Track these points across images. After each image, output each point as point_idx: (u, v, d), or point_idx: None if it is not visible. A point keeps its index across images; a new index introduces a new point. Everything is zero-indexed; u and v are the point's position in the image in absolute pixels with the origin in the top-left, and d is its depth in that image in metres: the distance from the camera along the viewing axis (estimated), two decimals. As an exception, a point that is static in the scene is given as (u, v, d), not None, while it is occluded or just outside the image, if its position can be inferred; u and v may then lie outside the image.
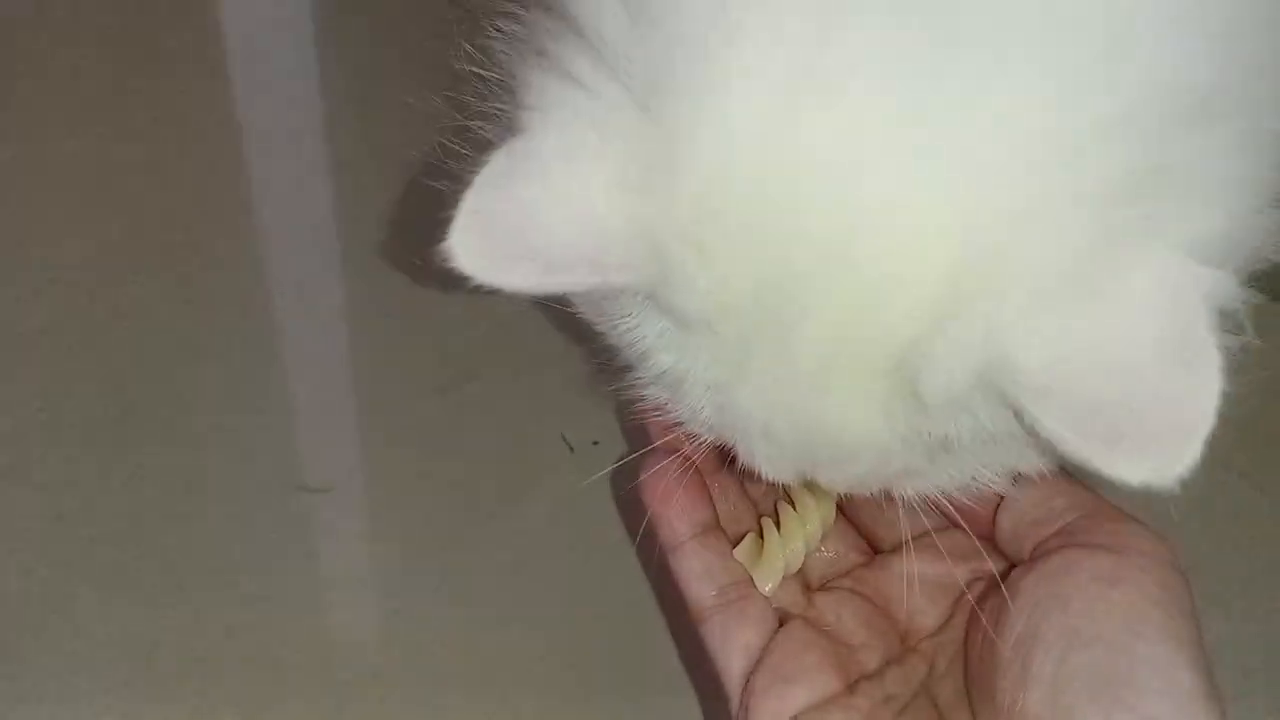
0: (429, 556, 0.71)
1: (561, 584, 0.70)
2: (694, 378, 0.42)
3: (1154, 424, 0.35)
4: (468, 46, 0.49)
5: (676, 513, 0.51)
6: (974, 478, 0.45)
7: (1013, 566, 0.49)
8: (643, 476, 0.52)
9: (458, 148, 0.46)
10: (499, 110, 0.46)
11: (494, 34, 0.47)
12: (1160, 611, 0.43)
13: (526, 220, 0.39)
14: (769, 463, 0.44)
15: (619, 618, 0.68)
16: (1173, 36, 0.36)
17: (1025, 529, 0.48)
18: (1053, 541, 0.47)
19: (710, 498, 0.53)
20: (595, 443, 0.75)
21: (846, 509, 0.55)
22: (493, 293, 0.39)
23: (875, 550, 0.55)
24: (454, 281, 0.40)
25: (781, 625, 0.50)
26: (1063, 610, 0.44)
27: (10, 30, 1.03)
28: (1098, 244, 0.35)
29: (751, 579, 0.51)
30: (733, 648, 0.49)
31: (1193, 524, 0.65)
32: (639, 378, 0.47)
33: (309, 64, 1.07)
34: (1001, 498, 0.48)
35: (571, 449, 0.75)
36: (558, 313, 0.49)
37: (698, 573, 0.50)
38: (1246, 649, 0.67)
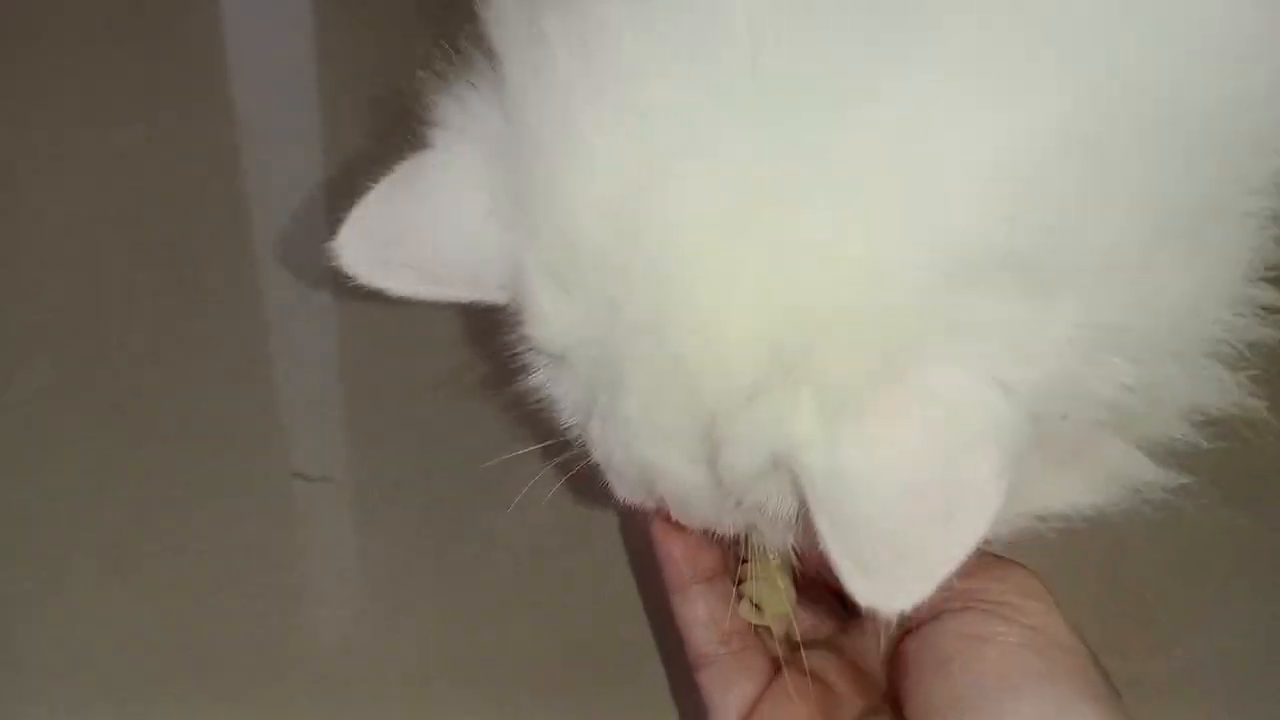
0: (421, 551, 0.71)
1: (554, 583, 0.70)
2: (560, 401, 0.44)
3: (898, 560, 0.35)
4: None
5: (684, 554, 0.51)
6: (815, 544, 0.45)
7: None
8: (657, 521, 0.52)
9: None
10: (421, 120, 0.48)
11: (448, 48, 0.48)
12: (1039, 659, 0.43)
13: (411, 232, 0.41)
14: (626, 488, 0.45)
15: (608, 617, 0.69)
16: (978, 198, 0.36)
17: None
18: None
19: (719, 542, 0.52)
20: (588, 444, 0.75)
21: (819, 574, 0.55)
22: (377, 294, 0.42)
23: (849, 612, 0.56)
24: (341, 282, 0.43)
25: (776, 673, 0.50)
26: (946, 677, 0.44)
27: (7, 19, 1.03)
28: (900, 360, 0.36)
29: (752, 627, 0.51)
30: (731, 697, 0.49)
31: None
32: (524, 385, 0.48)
33: (307, 58, 1.08)
34: None
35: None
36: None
37: (702, 619, 0.50)
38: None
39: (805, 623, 0.54)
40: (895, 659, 0.48)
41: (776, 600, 0.52)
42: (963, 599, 0.44)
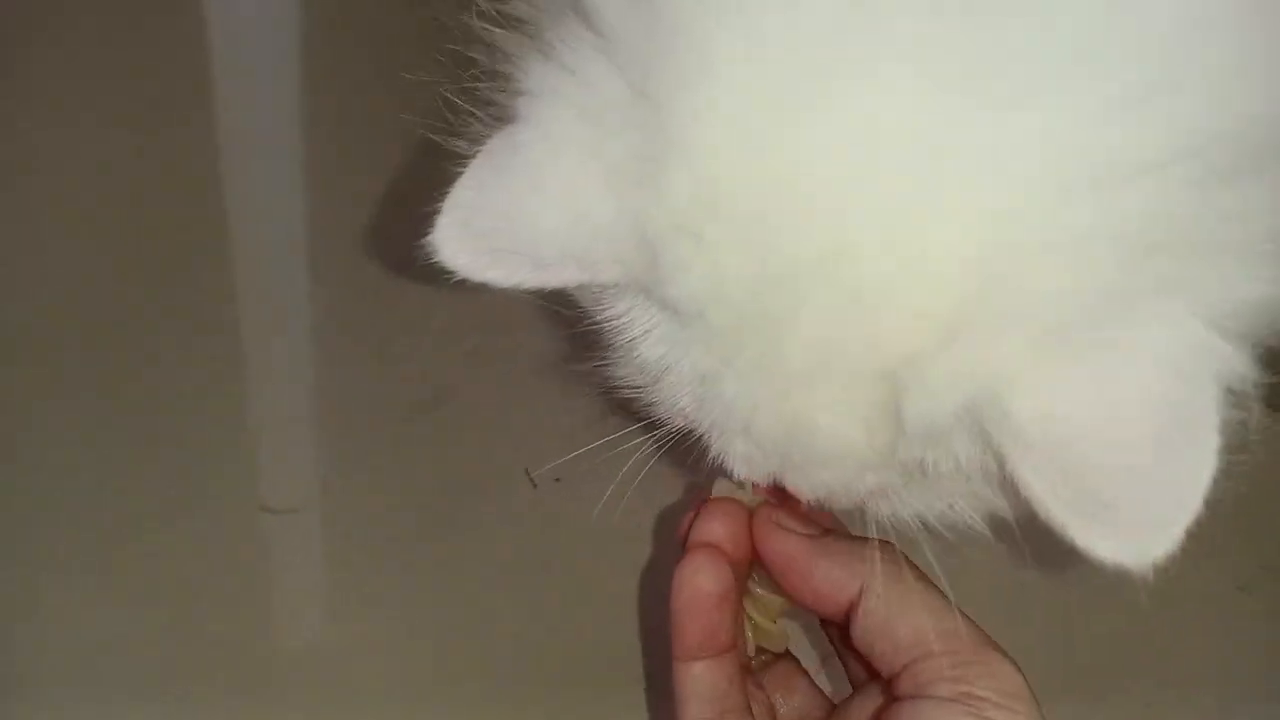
0: (386, 583, 0.71)
1: (520, 618, 0.71)
2: (680, 369, 0.41)
3: (1138, 503, 0.33)
4: (467, 26, 0.47)
5: (703, 627, 0.49)
6: (950, 508, 0.44)
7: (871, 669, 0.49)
8: (679, 576, 0.49)
9: (451, 135, 0.46)
10: (494, 96, 0.45)
11: (492, 16, 0.46)
12: None
13: (513, 215, 0.38)
14: (744, 461, 0.43)
15: (578, 644, 0.70)
16: (1220, 82, 0.33)
17: (880, 648, 0.47)
18: (906, 679, 0.45)
19: (738, 620, 0.50)
20: (557, 479, 0.76)
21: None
22: (479, 288, 0.39)
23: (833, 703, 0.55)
24: (440, 277, 0.40)
25: None
26: None
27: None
28: (1114, 293, 0.33)
29: (748, 708, 0.50)
30: None
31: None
32: (618, 362, 0.46)
33: (291, 73, 1.08)
34: (859, 595, 0.47)
35: (534, 484, 0.75)
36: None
37: (704, 695, 0.49)
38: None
39: (793, 709, 0.53)
40: None
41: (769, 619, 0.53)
42: (951, 685, 0.43)
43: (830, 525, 0.51)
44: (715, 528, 0.50)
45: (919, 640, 0.45)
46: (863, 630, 0.47)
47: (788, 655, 0.55)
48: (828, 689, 0.57)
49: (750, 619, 0.52)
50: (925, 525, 0.44)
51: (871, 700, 0.49)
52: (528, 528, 0.74)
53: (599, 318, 0.43)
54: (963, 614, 0.45)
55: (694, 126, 0.35)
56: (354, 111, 1.01)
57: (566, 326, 0.52)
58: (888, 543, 0.46)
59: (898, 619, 0.45)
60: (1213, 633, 0.74)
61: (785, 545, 0.49)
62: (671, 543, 0.73)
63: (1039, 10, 0.33)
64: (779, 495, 0.49)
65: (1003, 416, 0.34)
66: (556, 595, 0.72)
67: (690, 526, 0.51)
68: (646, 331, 0.41)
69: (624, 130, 0.37)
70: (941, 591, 0.46)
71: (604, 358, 0.47)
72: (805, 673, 0.55)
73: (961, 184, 0.33)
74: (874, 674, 0.49)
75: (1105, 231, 0.33)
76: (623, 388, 0.46)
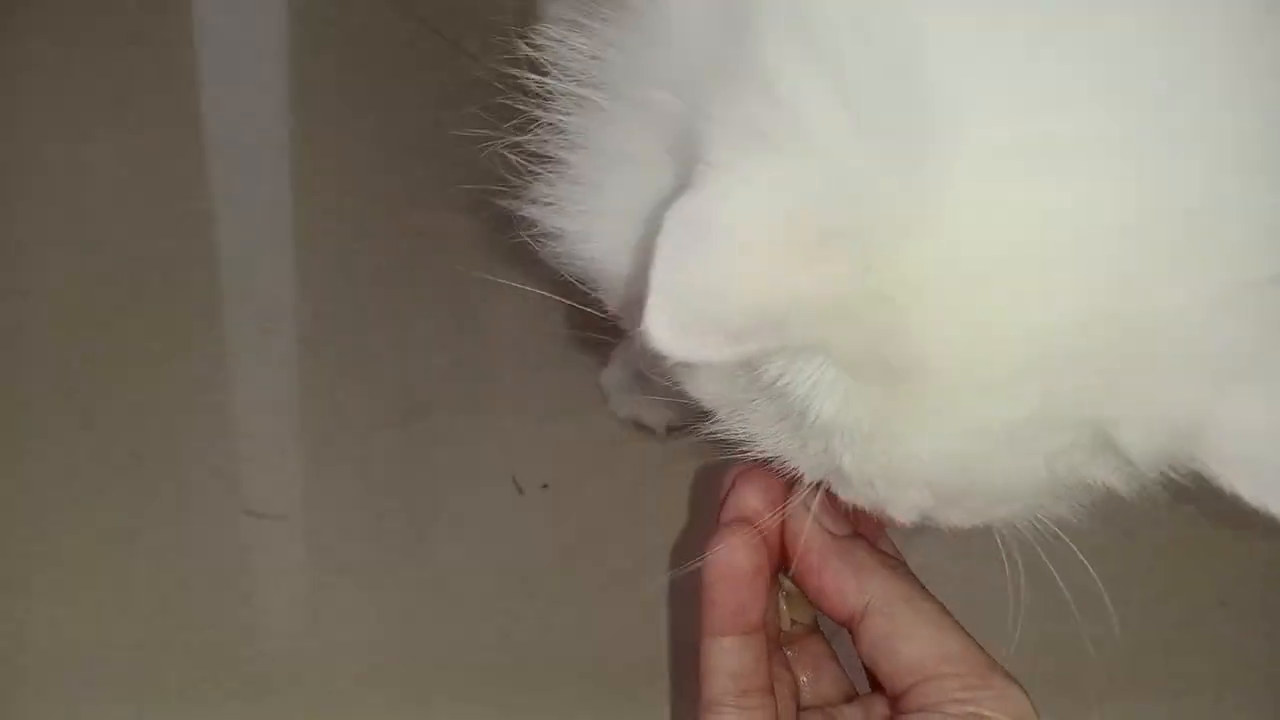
0: (369, 589, 0.71)
1: (505, 624, 0.71)
2: (847, 426, 0.41)
3: None
4: (525, 50, 0.48)
5: (733, 602, 0.49)
6: (1063, 506, 0.46)
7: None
8: (713, 551, 0.49)
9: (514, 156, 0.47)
10: (545, 149, 0.46)
11: (567, 46, 0.46)
12: None
13: (712, 292, 0.37)
14: (901, 512, 0.44)
15: (561, 661, 0.70)
16: None
17: (884, 666, 0.47)
18: (912, 697, 0.46)
19: (769, 597, 0.51)
20: (544, 486, 0.76)
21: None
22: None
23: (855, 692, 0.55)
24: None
25: None
26: None
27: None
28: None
29: (771, 688, 0.50)
30: None
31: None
32: (733, 409, 0.45)
33: (278, 84, 1.08)
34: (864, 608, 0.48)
35: (521, 491, 0.75)
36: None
37: (730, 670, 0.49)
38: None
39: (818, 693, 0.53)
40: None
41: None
42: (959, 707, 0.44)
43: (866, 531, 0.51)
44: (751, 500, 0.49)
45: (925, 662, 0.45)
46: (867, 644, 0.47)
47: (820, 636, 0.55)
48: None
49: (782, 586, 0.52)
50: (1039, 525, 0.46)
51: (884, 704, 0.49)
52: (514, 534, 0.74)
53: (757, 376, 0.43)
54: (971, 638, 0.46)
55: (937, 194, 0.37)
56: (341, 121, 1.01)
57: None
58: (903, 563, 0.48)
59: (903, 639, 0.46)
60: (1196, 645, 0.75)
61: (806, 533, 0.49)
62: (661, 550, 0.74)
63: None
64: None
65: (1204, 440, 0.39)
66: (542, 601, 0.72)
67: (726, 496, 0.51)
68: (815, 387, 0.41)
69: (838, 198, 0.37)
70: (950, 614, 0.47)
71: (722, 417, 0.46)
72: (835, 657, 0.55)
73: (1171, 254, 0.38)
74: (878, 687, 0.49)
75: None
76: (728, 441, 0.46)
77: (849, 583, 0.47)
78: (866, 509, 0.46)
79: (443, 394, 0.80)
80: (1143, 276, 0.38)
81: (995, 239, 0.37)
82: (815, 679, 0.53)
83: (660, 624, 0.71)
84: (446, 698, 0.68)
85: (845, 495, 0.45)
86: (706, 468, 0.79)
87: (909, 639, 0.46)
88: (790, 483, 0.49)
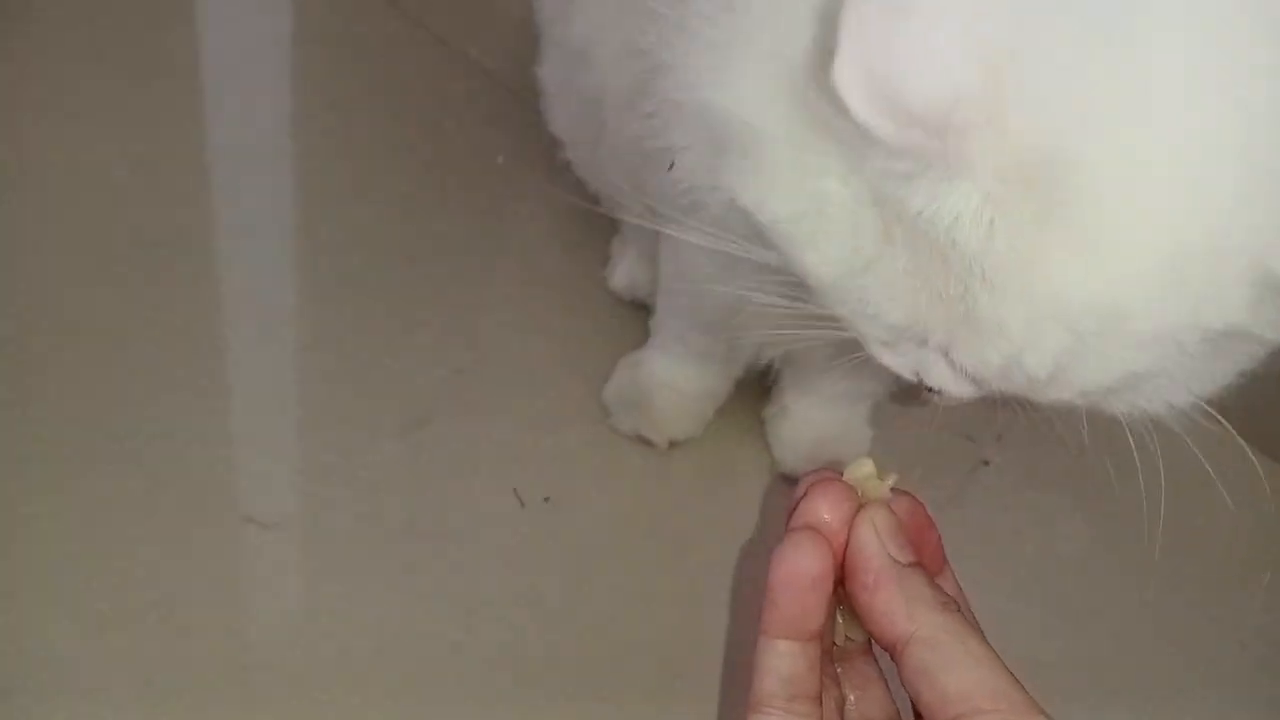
0: (368, 599, 0.71)
1: (505, 637, 0.70)
2: (988, 257, 0.42)
3: None
4: None
5: (795, 606, 0.49)
6: (1183, 392, 0.47)
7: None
8: (779, 553, 0.49)
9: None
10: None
11: None
12: None
13: (900, 69, 0.40)
14: (1040, 359, 0.44)
15: (561, 674, 0.70)
16: None
17: (925, 696, 0.47)
18: None
19: (831, 606, 0.50)
20: (546, 499, 0.76)
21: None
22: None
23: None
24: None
25: None
26: None
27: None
28: None
29: (819, 697, 0.49)
30: None
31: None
32: (862, 291, 0.46)
33: (281, 96, 1.08)
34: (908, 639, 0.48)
35: (522, 504, 0.76)
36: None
37: (782, 673, 0.49)
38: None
39: (862, 712, 0.53)
40: None
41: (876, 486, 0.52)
42: None
43: (927, 564, 0.50)
44: (820, 510, 0.49)
45: (968, 696, 0.45)
46: (910, 672, 0.47)
47: (870, 657, 0.54)
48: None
49: (841, 604, 0.52)
50: (1154, 417, 0.48)
51: None
52: (515, 546, 0.74)
53: (903, 203, 0.44)
54: (1014, 678, 0.46)
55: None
56: (343, 127, 1.01)
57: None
58: (958, 601, 0.47)
59: (946, 672, 0.46)
60: (1183, 660, 0.75)
61: (867, 550, 0.49)
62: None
63: None
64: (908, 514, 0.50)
65: None
66: (542, 614, 0.72)
67: (797, 505, 0.51)
68: (959, 218, 0.42)
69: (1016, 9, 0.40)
70: (997, 655, 0.46)
71: (838, 288, 0.47)
72: (883, 680, 0.55)
73: None
74: (919, 715, 0.49)
75: None
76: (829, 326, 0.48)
77: (900, 608, 0.47)
78: (986, 380, 0.46)
79: (444, 405, 0.80)
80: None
81: (1161, 67, 0.40)
82: (861, 698, 0.53)
83: (661, 637, 0.72)
84: (446, 709, 0.68)
85: (968, 358, 0.45)
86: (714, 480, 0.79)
87: (953, 672, 0.45)
88: (859, 500, 0.49)
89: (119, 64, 1.02)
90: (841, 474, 0.50)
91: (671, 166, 0.53)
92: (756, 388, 0.82)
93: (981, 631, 0.48)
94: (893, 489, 0.50)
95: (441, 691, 0.68)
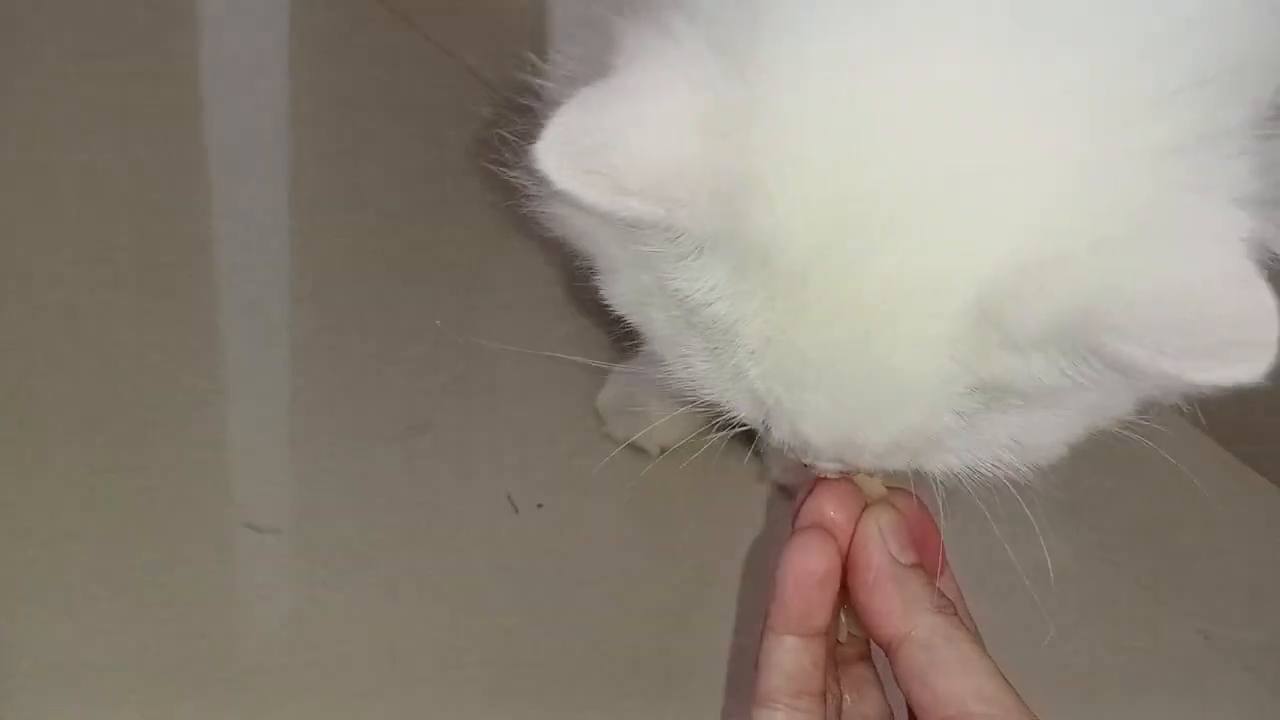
0: (363, 605, 0.72)
1: (498, 644, 0.71)
2: (748, 331, 0.44)
3: (1231, 334, 0.39)
4: None
5: (802, 603, 0.49)
6: (999, 455, 0.46)
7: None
8: (788, 551, 0.50)
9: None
10: (568, 63, 0.52)
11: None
12: None
13: (609, 141, 0.41)
14: (815, 428, 0.45)
15: (555, 679, 0.70)
16: (1251, 17, 0.41)
17: (917, 696, 0.48)
18: None
19: (835, 605, 0.51)
20: (540, 505, 0.77)
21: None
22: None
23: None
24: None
25: None
26: None
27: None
28: (1162, 197, 0.40)
29: (824, 694, 0.50)
30: None
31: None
32: (678, 352, 0.48)
33: (279, 101, 1.08)
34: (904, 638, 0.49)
35: (516, 510, 0.76)
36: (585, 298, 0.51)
37: (785, 670, 0.49)
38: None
39: (860, 713, 0.54)
40: None
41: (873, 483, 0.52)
42: None
43: (929, 565, 0.51)
44: (826, 509, 0.50)
45: (959, 699, 0.46)
46: (903, 672, 0.48)
47: (869, 663, 0.55)
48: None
49: (845, 601, 0.52)
50: (971, 479, 0.47)
51: None
52: (509, 552, 0.75)
53: (668, 284, 0.45)
54: (1007, 683, 0.46)
55: (778, 83, 0.41)
56: (341, 133, 1.02)
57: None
58: (955, 605, 0.48)
59: (938, 674, 0.46)
60: (1173, 675, 0.76)
61: (869, 548, 0.49)
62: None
63: None
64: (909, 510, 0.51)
65: (1096, 312, 0.39)
66: (535, 620, 0.72)
67: (803, 503, 0.52)
68: (713, 289, 0.44)
69: (714, 86, 0.42)
70: (990, 659, 0.47)
71: (665, 356, 0.49)
72: (880, 685, 0.55)
73: (1034, 124, 0.40)
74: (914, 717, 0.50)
75: (1149, 147, 0.40)
76: (684, 392, 0.48)
77: (896, 608, 0.48)
78: (800, 451, 0.47)
79: (440, 412, 0.81)
80: (1010, 158, 0.40)
81: (831, 124, 0.40)
82: (857, 701, 0.54)
83: (654, 641, 0.72)
84: (440, 713, 0.68)
85: (773, 433, 0.46)
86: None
87: (945, 674, 0.46)
88: (864, 499, 0.50)
89: (118, 66, 1.02)
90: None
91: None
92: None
93: (978, 635, 0.49)
94: (896, 489, 0.51)
95: (436, 696, 0.69)
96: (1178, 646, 0.78)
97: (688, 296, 0.45)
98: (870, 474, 0.51)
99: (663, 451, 0.81)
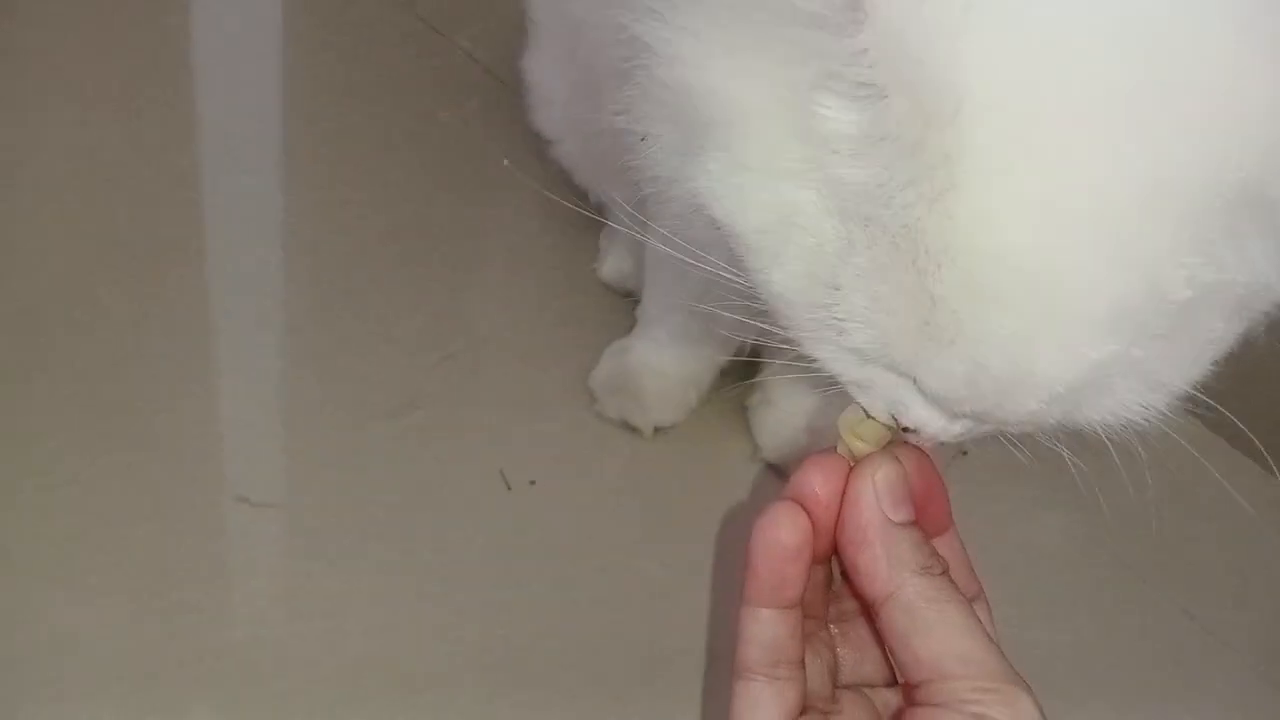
0: (355, 581, 0.72)
1: (490, 619, 0.72)
2: (930, 232, 0.39)
3: None
4: None
5: (773, 576, 0.49)
6: (1148, 397, 0.43)
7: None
8: (758, 524, 0.49)
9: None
10: None
11: None
12: None
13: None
14: (997, 358, 0.40)
15: (545, 656, 0.71)
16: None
17: (900, 656, 0.47)
18: (923, 691, 0.46)
19: (809, 577, 0.50)
20: (532, 482, 0.77)
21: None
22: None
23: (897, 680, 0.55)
24: None
25: (802, 714, 0.50)
26: None
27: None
28: None
29: (802, 661, 0.50)
30: (757, 716, 0.49)
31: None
32: (826, 283, 0.43)
33: (272, 79, 1.08)
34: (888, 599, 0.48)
35: (509, 487, 0.77)
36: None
37: (763, 642, 0.49)
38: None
39: (858, 673, 0.54)
40: None
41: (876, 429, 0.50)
42: (965, 706, 0.44)
43: (926, 525, 0.50)
44: (814, 483, 0.49)
45: (938, 661, 0.45)
46: (886, 632, 0.47)
47: (868, 619, 0.54)
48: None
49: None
50: (1109, 430, 0.44)
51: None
52: (501, 528, 0.75)
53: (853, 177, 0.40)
54: (992, 643, 0.46)
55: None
56: (335, 113, 1.02)
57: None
58: (946, 566, 0.47)
59: (919, 637, 0.46)
60: (1158, 655, 0.77)
61: (860, 505, 0.48)
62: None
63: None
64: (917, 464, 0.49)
65: None
66: (527, 595, 0.73)
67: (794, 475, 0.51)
68: (907, 179, 0.39)
69: None
70: (975, 618, 0.47)
71: (802, 296, 0.44)
72: (880, 645, 0.54)
73: None
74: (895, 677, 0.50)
75: None
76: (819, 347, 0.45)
77: (881, 570, 0.47)
78: (956, 402, 0.43)
79: (433, 390, 0.81)
80: None
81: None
82: (859, 660, 0.53)
83: (644, 618, 0.73)
84: (432, 688, 0.69)
85: (934, 377, 0.42)
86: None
87: (924, 637, 0.46)
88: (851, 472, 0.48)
89: (114, 52, 1.02)
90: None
91: (643, 139, 0.52)
92: (739, 376, 0.83)
93: (982, 595, 0.49)
94: (903, 444, 0.48)
95: (427, 669, 0.69)
96: (1162, 626, 0.79)
97: (871, 196, 0.40)
98: (891, 426, 0.48)
99: (656, 431, 0.82)
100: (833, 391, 0.48)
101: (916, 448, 0.48)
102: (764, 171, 0.43)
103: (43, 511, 0.72)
